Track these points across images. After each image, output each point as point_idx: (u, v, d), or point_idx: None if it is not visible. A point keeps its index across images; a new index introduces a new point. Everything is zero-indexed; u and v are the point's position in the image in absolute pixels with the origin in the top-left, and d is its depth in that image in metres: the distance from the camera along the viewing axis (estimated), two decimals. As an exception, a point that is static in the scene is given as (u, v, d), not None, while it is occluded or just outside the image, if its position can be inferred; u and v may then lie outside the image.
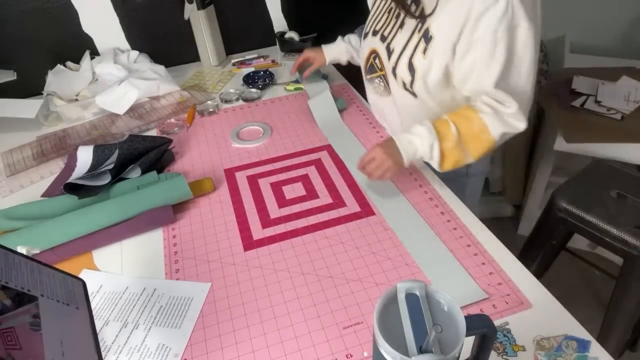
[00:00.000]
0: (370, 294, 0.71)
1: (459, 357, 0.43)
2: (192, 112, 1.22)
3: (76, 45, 1.36)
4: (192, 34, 1.42)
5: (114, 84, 1.25)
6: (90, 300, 0.60)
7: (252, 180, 0.97)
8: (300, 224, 0.85)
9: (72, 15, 1.33)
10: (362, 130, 1.10)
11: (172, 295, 0.73)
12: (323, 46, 1.24)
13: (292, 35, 1.50)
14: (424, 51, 0.84)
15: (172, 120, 1.20)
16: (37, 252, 0.75)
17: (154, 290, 0.74)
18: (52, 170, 1.06)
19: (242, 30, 1.53)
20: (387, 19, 0.94)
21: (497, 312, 0.66)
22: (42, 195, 0.97)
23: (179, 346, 0.66)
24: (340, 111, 1.16)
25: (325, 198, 0.91)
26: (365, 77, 1.05)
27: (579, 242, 1.70)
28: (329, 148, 1.05)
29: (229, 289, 0.74)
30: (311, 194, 0.92)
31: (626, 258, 1.11)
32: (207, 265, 0.78)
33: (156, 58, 1.42)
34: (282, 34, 1.52)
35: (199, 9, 1.34)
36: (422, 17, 0.84)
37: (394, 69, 0.91)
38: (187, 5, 1.35)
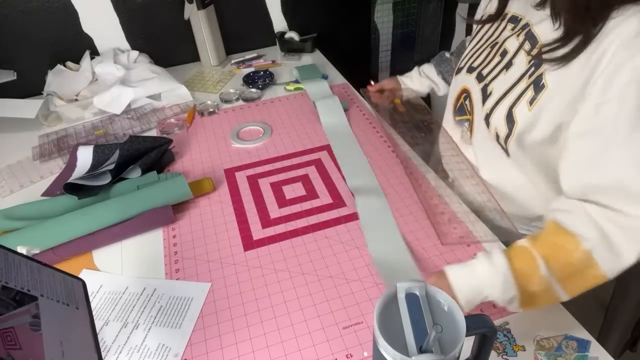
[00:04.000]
0: (370, 294, 0.71)
1: (459, 357, 0.43)
2: (192, 112, 1.22)
3: (76, 45, 1.36)
4: (192, 34, 1.42)
5: (113, 84, 1.25)
6: (90, 300, 0.60)
7: (252, 180, 0.97)
8: (300, 224, 0.85)
9: (72, 15, 1.33)
10: (363, 131, 1.10)
11: (172, 295, 0.73)
12: (399, 77, 1.16)
13: (292, 35, 1.50)
14: (531, 102, 0.67)
15: (172, 120, 1.20)
16: (37, 252, 0.75)
17: (154, 290, 0.74)
18: (52, 170, 1.06)
19: (242, 30, 1.53)
20: (488, 55, 0.79)
21: (497, 312, 0.66)
22: (42, 195, 0.97)
23: (179, 346, 0.66)
24: (341, 112, 1.16)
25: (325, 198, 0.91)
26: (451, 118, 0.91)
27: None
28: (329, 148, 1.05)
29: (229, 289, 0.74)
30: (311, 194, 0.92)
31: (626, 258, 1.11)
32: (207, 265, 0.78)
33: (156, 58, 1.42)
34: (282, 34, 1.52)
35: (199, 9, 1.34)
36: (540, 59, 0.66)
37: (487, 116, 0.75)
38: (187, 5, 1.35)
